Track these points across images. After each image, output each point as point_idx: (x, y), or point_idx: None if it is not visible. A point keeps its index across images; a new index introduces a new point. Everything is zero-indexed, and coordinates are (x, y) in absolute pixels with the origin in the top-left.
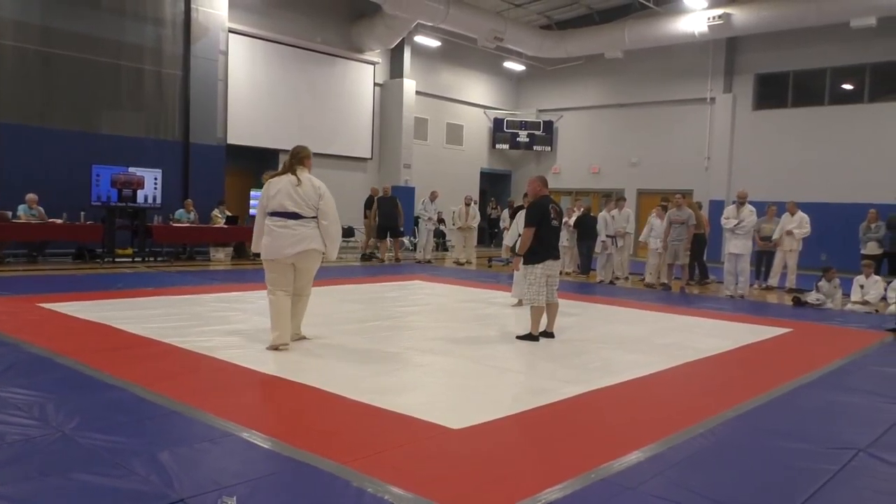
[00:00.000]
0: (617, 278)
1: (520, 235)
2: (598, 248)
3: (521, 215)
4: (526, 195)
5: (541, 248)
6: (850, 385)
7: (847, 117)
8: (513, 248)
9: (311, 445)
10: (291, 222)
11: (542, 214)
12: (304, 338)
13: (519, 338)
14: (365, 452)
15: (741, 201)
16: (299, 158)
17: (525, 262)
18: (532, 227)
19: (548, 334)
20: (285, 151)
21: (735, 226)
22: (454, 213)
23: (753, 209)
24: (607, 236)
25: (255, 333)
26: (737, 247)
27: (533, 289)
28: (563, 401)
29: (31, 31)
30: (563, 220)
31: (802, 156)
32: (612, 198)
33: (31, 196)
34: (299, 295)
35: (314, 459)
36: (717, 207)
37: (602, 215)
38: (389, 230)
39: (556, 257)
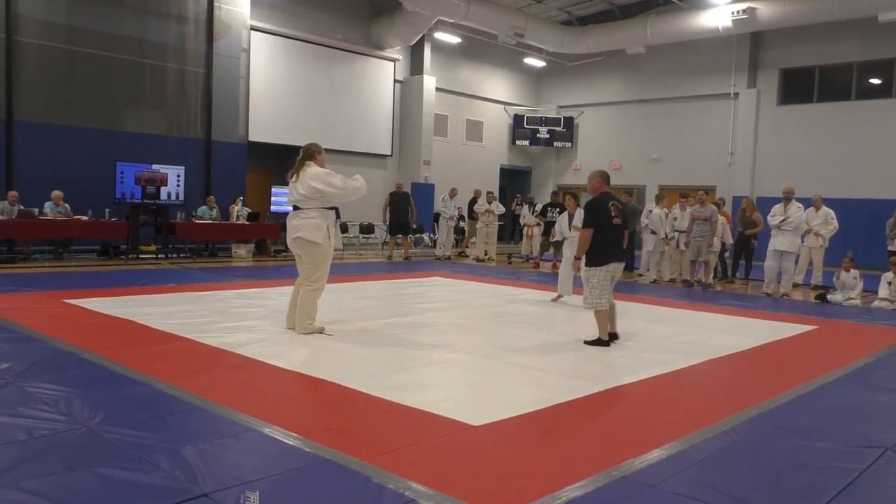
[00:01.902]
0: (679, 277)
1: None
2: (650, 247)
3: (581, 217)
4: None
5: (603, 250)
6: (877, 383)
7: (874, 112)
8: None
9: (331, 441)
10: (291, 214)
11: (600, 214)
12: (321, 332)
13: (587, 343)
14: (385, 448)
15: (788, 197)
16: (308, 154)
17: (587, 265)
18: (590, 228)
19: (613, 336)
20: None
21: (781, 222)
22: (482, 210)
23: (801, 205)
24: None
25: (276, 329)
26: (783, 244)
27: (595, 292)
28: (584, 398)
29: (56, 29)
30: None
31: (828, 151)
32: (662, 195)
33: (56, 193)
34: (303, 284)
35: (335, 455)
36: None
37: (657, 213)
38: (401, 227)
39: (621, 259)
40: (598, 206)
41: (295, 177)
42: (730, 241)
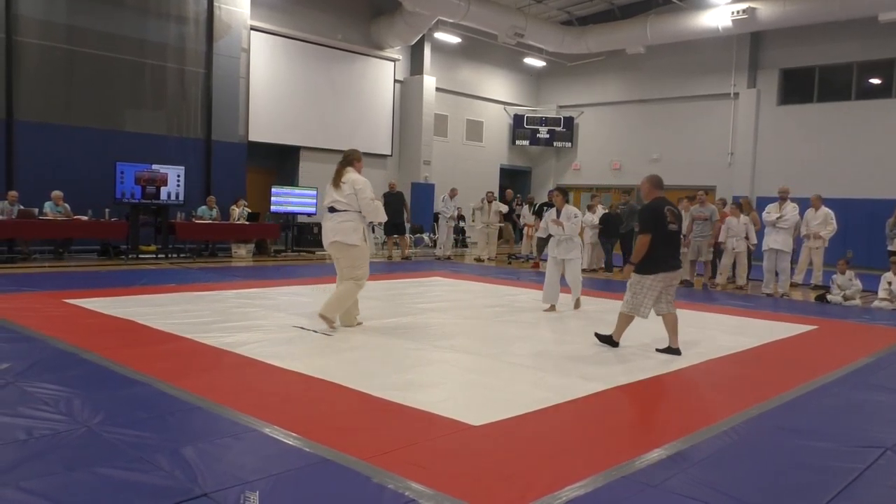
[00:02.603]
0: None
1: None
2: None
3: (567, 213)
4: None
5: (655, 258)
6: (877, 383)
7: (874, 112)
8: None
9: (331, 441)
10: (328, 215)
11: (656, 219)
12: (333, 327)
13: (598, 336)
14: (385, 448)
15: (783, 197)
16: (348, 160)
17: (636, 271)
18: (647, 234)
19: (673, 350)
20: (307, 148)
21: (777, 219)
22: (474, 209)
23: (796, 205)
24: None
25: (276, 329)
26: (776, 241)
27: (637, 298)
28: (584, 398)
29: (56, 29)
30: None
31: (828, 151)
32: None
33: (56, 193)
34: (341, 280)
35: (335, 455)
36: None
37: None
38: (396, 227)
39: (676, 267)
40: (655, 210)
41: (335, 181)
42: (754, 240)
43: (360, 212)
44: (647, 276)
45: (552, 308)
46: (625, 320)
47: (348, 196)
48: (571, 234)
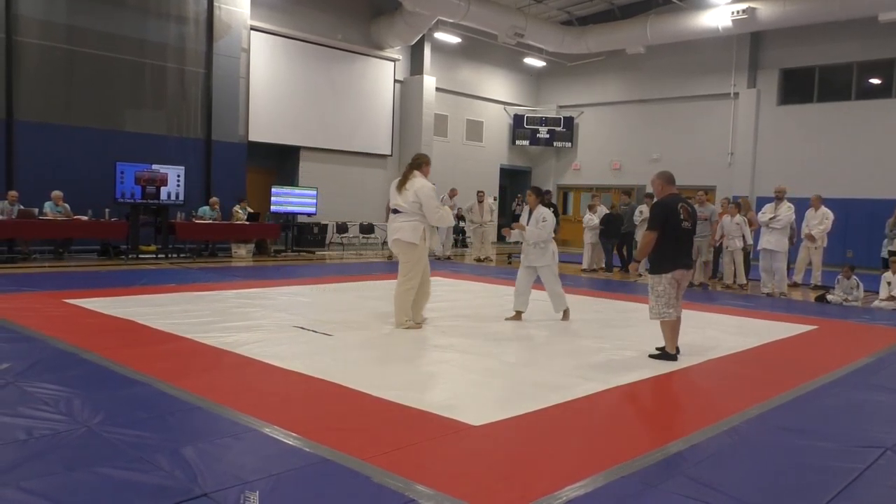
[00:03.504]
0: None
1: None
2: None
3: (536, 216)
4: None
5: (669, 256)
6: (877, 383)
7: (874, 112)
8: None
9: (332, 441)
10: (393, 216)
11: (667, 215)
12: (420, 323)
13: (652, 357)
14: (385, 448)
15: (780, 197)
16: (416, 164)
17: (651, 272)
18: (654, 231)
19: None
20: (307, 148)
21: (770, 220)
22: (468, 208)
23: (791, 205)
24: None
25: (276, 329)
26: (769, 242)
27: (661, 301)
28: (584, 398)
29: (56, 29)
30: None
31: (828, 151)
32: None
33: (56, 193)
34: (398, 283)
35: (335, 455)
36: None
37: None
38: None
39: (688, 266)
40: (666, 206)
41: (401, 185)
42: (750, 240)
43: (422, 215)
44: (663, 276)
45: (517, 315)
46: (667, 327)
47: (412, 203)
48: (530, 239)
